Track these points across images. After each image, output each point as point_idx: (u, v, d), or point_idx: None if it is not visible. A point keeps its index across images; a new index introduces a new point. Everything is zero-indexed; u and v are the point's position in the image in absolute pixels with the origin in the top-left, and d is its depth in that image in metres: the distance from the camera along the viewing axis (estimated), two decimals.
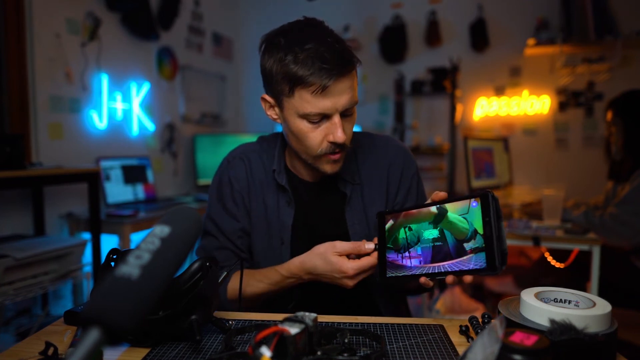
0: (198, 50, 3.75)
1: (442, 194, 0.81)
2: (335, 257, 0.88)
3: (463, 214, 0.75)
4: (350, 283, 0.89)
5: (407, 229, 0.82)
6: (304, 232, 1.04)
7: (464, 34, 3.73)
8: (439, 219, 0.78)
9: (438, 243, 0.77)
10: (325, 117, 0.90)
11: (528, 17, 3.54)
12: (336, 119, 0.90)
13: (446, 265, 0.74)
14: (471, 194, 0.75)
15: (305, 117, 0.90)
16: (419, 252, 0.79)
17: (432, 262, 0.76)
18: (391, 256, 0.83)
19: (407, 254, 0.80)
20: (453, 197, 0.78)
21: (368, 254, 0.87)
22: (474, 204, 0.73)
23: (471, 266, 0.71)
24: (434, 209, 0.79)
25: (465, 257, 0.72)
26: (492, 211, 0.70)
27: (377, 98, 4.04)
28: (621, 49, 3.26)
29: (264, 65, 0.93)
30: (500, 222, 0.70)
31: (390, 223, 0.86)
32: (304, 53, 0.85)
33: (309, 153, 0.95)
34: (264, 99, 0.98)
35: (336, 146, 0.92)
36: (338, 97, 0.88)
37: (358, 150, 1.08)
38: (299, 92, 0.88)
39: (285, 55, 0.87)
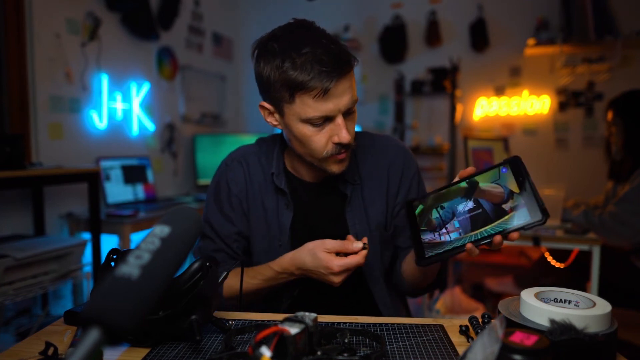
0: (198, 50, 3.75)
1: (470, 169, 0.82)
2: (323, 254, 0.89)
3: (495, 180, 0.77)
4: (336, 280, 0.89)
5: (439, 209, 0.83)
6: (304, 233, 1.03)
7: (464, 34, 3.73)
8: (471, 191, 0.80)
9: (475, 212, 0.78)
10: (328, 119, 0.90)
11: (528, 17, 3.54)
12: (339, 120, 0.90)
13: (489, 229, 0.75)
14: (499, 163, 0.78)
15: (308, 121, 0.90)
16: (457, 225, 0.80)
17: (473, 230, 0.77)
18: (427, 237, 0.83)
19: (444, 230, 0.81)
20: (481, 170, 0.80)
21: (355, 253, 0.89)
22: (504, 170, 0.76)
23: (515, 223, 0.73)
24: (463, 184, 0.81)
25: (506, 217, 0.74)
26: (523, 171, 0.74)
27: (377, 98, 4.04)
28: (621, 49, 3.26)
29: (260, 73, 0.91)
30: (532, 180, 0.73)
31: (420, 208, 0.87)
32: (302, 57, 0.85)
33: (315, 156, 0.95)
34: (262, 107, 0.97)
35: (342, 146, 0.93)
36: (339, 99, 0.88)
37: (358, 150, 1.08)
38: (300, 97, 0.88)
39: (282, 61, 0.86)
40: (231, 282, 0.99)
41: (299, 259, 0.92)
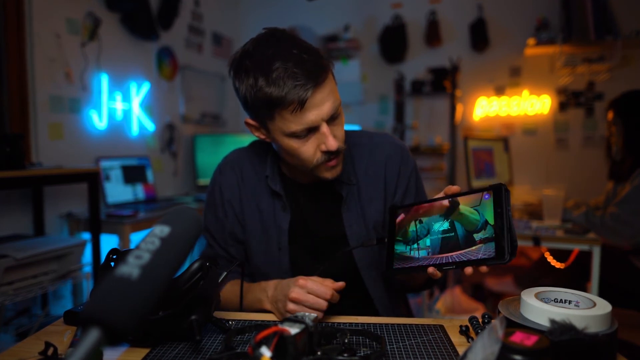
0: (198, 50, 3.75)
1: (455, 188, 0.81)
2: (300, 280, 0.84)
3: (475, 206, 0.75)
4: (290, 307, 0.83)
5: (417, 222, 0.83)
6: (302, 235, 1.03)
7: (464, 34, 3.72)
8: (451, 211, 0.78)
9: (448, 235, 0.77)
10: (312, 129, 0.88)
11: (528, 17, 3.54)
12: (324, 128, 0.88)
13: (454, 256, 0.74)
14: (484, 187, 0.76)
15: (292, 135, 0.89)
16: (428, 244, 0.79)
17: (441, 253, 0.76)
18: (400, 248, 0.83)
19: (415, 245, 0.81)
20: (466, 191, 0.79)
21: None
22: (486, 197, 0.74)
23: (479, 256, 0.71)
24: (446, 202, 0.80)
25: (474, 247, 0.72)
26: (504, 203, 0.71)
27: (377, 98, 4.04)
28: (621, 49, 3.26)
29: (238, 90, 0.90)
30: (510, 214, 0.71)
31: (401, 217, 0.87)
32: (274, 73, 0.83)
33: (306, 166, 0.94)
34: (247, 123, 0.96)
35: (331, 154, 0.91)
36: (320, 108, 0.86)
37: (354, 150, 1.07)
38: (279, 113, 0.86)
39: (255, 80, 0.85)
40: (225, 295, 0.98)
41: (271, 283, 0.90)
